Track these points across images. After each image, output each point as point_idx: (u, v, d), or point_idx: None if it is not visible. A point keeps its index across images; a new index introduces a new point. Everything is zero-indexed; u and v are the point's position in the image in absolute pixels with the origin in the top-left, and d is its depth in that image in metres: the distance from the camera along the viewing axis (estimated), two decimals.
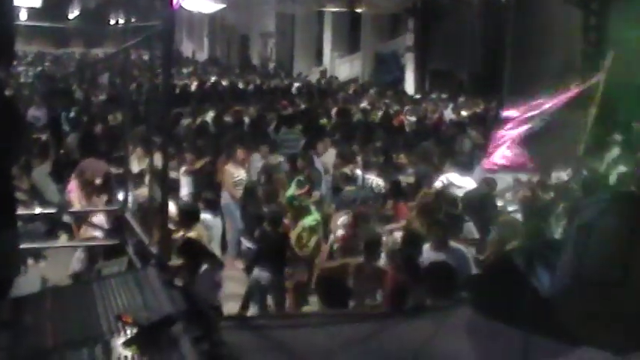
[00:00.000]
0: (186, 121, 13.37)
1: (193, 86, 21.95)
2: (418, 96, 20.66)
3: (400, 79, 24.23)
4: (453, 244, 6.46)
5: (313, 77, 26.81)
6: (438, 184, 8.75)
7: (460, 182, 8.80)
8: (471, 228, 7.54)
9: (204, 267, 6.11)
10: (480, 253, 6.93)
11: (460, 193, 8.44)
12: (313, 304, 6.74)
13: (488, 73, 19.92)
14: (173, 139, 9.62)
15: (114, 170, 8.21)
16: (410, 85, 23.48)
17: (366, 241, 6.39)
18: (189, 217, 6.80)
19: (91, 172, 8.00)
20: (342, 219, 7.50)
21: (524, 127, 7.93)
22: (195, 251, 6.13)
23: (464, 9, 20.08)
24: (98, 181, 7.69)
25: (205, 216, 7.62)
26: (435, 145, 11.21)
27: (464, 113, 16.46)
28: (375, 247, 6.36)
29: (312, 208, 7.63)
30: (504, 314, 2.85)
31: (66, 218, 7.15)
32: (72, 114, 14.19)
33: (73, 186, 8.10)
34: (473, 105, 17.35)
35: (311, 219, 7.27)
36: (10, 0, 4.41)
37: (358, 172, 9.27)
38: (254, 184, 9.09)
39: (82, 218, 6.89)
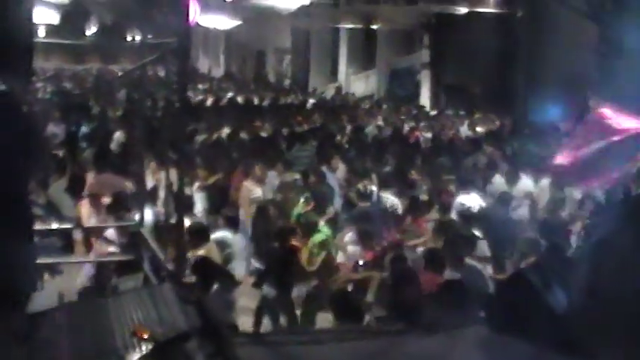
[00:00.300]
0: (201, 137, 13.45)
1: (209, 102, 22.11)
2: (434, 112, 20.65)
3: (415, 95, 24.24)
4: (469, 261, 6.43)
5: (328, 93, 26.90)
6: (450, 201, 8.72)
7: (468, 200, 8.76)
8: (484, 246, 7.50)
9: (217, 286, 6.12)
10: (497, 271, 6.90)
11: (470, 209, 8.39)
12: (322, 320, 6.71)
13: (502, 87, 19.91)
14: (188, 155, 9.66)
15: (129, 186, 8.30)
16: (425, 101, 23.48)
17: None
18: (198, 236, 6.78)
19: (100, 188, 8.07)
20: (348, 235, 7.50)
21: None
22: (207, 270, 6.15)
23: (478, 24, 20.10)
24: (107, 197, 7.74)
25: (225, 234, 7.58)
26: (450, 162, 11.20)
27: (480, 129, 16.43)
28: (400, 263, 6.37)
29: (322, 224, 7.60)
30: (519, 331, 2.84)
31: (75, 234, 7.18)
32: (88, 130, 14.31)
33: (84, 201, 8.17)
34: (488, 121, 17.32)
35: (320, 235, 7.25)
36: (29, 17, 4.50)
37: (373, 188, 9.27)
38: (266, 202, 9.07)
39: (94, 233, 6.93)
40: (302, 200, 7.83)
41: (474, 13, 19.70)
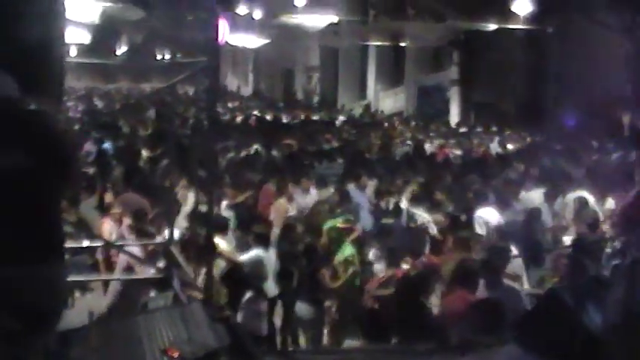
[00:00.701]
0: (230, 155, 13.54)
1: (238, 120, 22.28)
2: (463, 129, 20.57)
3: (444, 112, 24.19)
4: (506, 282, 6.30)
5: (357, 111, 26.96)
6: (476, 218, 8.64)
7: (486, 214, 8.69)
8: (516, 262, 7.40)
9: (247, 296, 6.15)
10: (529, 288, 6.81)
11: (491, 226, 8.34)
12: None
13: (533, 104, 19.76)
14: (217, 172, 9.72)
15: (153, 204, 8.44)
16: (454, 118, 23.41)
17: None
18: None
19: (123, 206, 8.15)
20: (372, 252, 7.45)
21: None
22: (237, 281, 6.18)
23: (508, 41, 20.03)
24: (127, 216, 7.82)
25: (258, 251, 7.62)
26: (480, 179, 11.11)
27: (510, 146, 16.32)
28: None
29: (348, 242, 7.56)
30: (553, 352, 2.80)
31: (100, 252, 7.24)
32: (117, 148, 14.48)
33: (106, 219, 8.25)
34: (519, 138, 17.20)
35: (347, 252, 7.20)
36: (62, 39, 4.60)
37: (402, 205, 9.24)
38: (293, 220, 9.04)
39: (119, 251, 6.98)
40: (338, 218, 7.74)
41: (503, 30, 19.64)
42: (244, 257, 7.25)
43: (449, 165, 13.46)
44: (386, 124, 21.66)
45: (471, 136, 18.26)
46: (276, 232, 9.21)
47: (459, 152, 15.44)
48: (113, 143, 14.88)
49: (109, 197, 9.40)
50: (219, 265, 6.67)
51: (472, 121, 22.36)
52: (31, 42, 4.42)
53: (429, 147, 16.07)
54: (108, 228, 8.09)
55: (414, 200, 9.41)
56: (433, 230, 8.48)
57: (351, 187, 10.20)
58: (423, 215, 8.85)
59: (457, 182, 10.75)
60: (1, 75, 3.52)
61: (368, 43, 27.08)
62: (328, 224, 7.81)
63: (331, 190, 10.29)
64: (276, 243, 8.35)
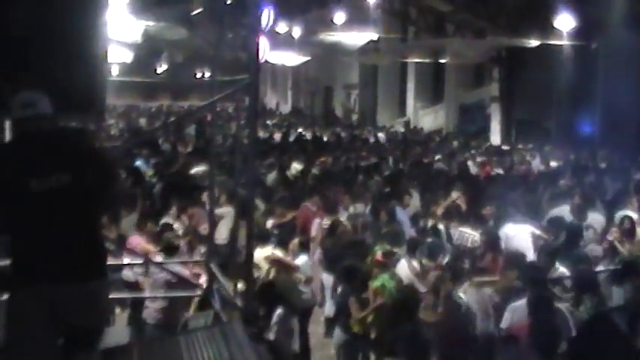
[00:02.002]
0: (270, 173, 13.59)
1: (277, 138, 22.40)
2: (505, 147, 20.32)
3: (485, 130, 23.96)
4: (560, 306, 6.12)
5: (397, 128, 26.88)
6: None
7: (511, 230, 8.54)
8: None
9: (279, 312, 6.15)
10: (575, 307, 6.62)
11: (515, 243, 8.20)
12: None
13: (577, 121, 19.45)
14: (259, 190, 9.77)
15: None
16: (496, 136, 23.17)
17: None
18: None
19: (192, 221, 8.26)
20: (403, 268, 7.34)
21: None
22: (270, 296, 6.18)
23: (550, 57, 19.78)
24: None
25: (303, 257, 7.69)
26: (522, 197, 10.95)
27: (554, 164, 16.06)
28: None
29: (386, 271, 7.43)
30: None
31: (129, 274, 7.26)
32: (158, 165, 14.64)
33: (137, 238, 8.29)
34: (562, 155, 16.93)
35: (377, 282, 7.04)
36: (104, 58, 4.68)
37: (442, 224, 9.16)
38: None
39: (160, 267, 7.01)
40: (378, 248, 7.64)
41: (546, 46, 19.39)
42: (298, 261, 7.33)
43: (491, 183, 13.29)
44: (426, 142, 21.53)
45: (512, 153, 18.03)
46: (315, 250, 9.25)
47: (500, 170, 15.25)
48: (149, 160, 15.03)
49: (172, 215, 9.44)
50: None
51: (513, 139, 22.10)
52: (75, 61, 4.51)
53: (470, 165, 15.91)
54: (141, 247, 8.11)
55: (457, 218, 9.31)
56: (476, 249, 8.37)
57: (395, 206, 10.15)
58: (472, 234, 8.73)
59: (500, 200, 10.59)
60: (38, 95, 3.60)
61: (407, 60, 27.04)
62: (375, 249, 7.66)
63: (365, 209, 10.23)
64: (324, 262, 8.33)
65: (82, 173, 3.52)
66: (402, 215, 9.86)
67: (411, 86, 28.88)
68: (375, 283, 6.82)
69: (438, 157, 17.15)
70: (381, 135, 23.94)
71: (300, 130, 25.96)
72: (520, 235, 8.43)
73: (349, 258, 7.35)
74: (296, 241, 8.31)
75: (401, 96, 30.32)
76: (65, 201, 3.48)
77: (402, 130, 26.38)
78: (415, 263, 7.45)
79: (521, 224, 8.68)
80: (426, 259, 7.46)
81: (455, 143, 20.73)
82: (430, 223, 9.49)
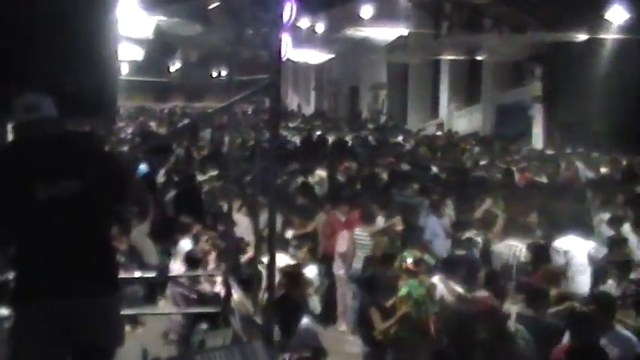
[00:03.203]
0: (291, 180, 13.63)
1: (299, 141, 22.45)
2: (549, 151, 20.16)
3: (526, 133, 23.80)
4: (619, 329, 6.03)
5: (429, 131, 26.82)
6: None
7: (564, 244, 8.46)
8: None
9: (300, 324, 6.19)
10: None
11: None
12: None
13: (629, 123, 19.18)
14: (281, 199, 9.79)
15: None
16: (538, 140, 23.00)
17: None
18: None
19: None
20: (437, 281, 7.32)
21: None
22: (289, 308, 6.22)
23: (600, 52, 19.58)
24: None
25: (312, 269, 7.73)
26: (568, 207, 10.85)
27: (603, 170, 15.89)
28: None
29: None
30: None
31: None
32: (171, 171, 14.73)
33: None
34: (613, 161, 16.72)
35: (403, 291, 7.10)
36: (114, 56, 4.73)
37: (479, 236, 9.11)
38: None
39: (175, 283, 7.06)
40: (407, 253, 7.67)
41: (594, 41, 19.20)
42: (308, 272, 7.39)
43: (533, 191, 13.18)
44: (461, 146, 21.43)
45: (557, 159, 17.86)
46: (340, 264, 9.27)
47: (543, 177, 15.11)
48: (167, 166, 15.13)
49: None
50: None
51: (558, 143, 21.89)
52: (83, 59, 4.55)
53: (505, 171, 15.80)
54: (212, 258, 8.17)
55: (496, 230, 9.26)
56: (517, 261, 8.32)
57: (429, 216, 10.14)
58: (517, 246, 8.67)
59: (542, 210, 10.50)
60: (42, 97, 3.65)
61: (440, 58, 26.98)
62: (402, 257, 7.69)
63: (397, 220, 10.24)
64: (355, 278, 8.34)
65: (92, 179, 3.55)
66: (437, 226, 9.83)
67: (444, 86, 28.79)
68: (401, 292, 6.90)
69: (483, 162, 17.05)
70: (411, 139, 23.87)
71: (319, 132, 26.02)
72: (575, 251, 8.35)
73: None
74: (305, 249, 8.36)
75: (433, 97, 30.23)
76: (74, 209, 3.51)
77: (435, 133, 26.29)
78: (455, 286, 7.44)
79: (573, 237, 8.60)
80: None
81: (492, 147, 20.60)
82: (467, 234, 9.43)
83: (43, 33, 4.46)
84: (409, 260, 7.10)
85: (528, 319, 6.47)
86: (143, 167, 14.76)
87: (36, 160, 3.52)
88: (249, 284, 5.63)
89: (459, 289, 7.27)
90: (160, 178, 14.23)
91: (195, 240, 8.67)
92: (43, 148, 3.56)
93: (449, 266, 7.73)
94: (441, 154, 19.04)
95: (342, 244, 9.44)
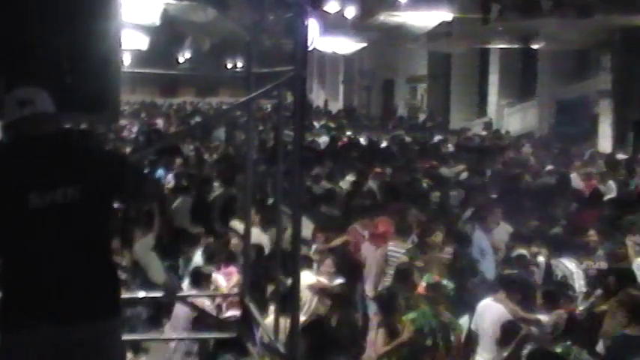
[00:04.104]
0: (316, 186, 13.66)
1: (325, 143, 22.49)
2: (621, 155, 19.96)
3: (591, 133, 23.63)
4: None
5: (475, 131, 26.72)
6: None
7: None
8: None
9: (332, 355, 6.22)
10: None
11: None
12: None
13: None
14: (305, 208, 9.81)
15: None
16: (605, 140, 22.80)
17: None
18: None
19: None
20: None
21: None
22: (319, 335, 6.25)
23: None
24: None
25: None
26: None
27: None
28: None
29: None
30: None
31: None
32: (180, 176, 14.84)
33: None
34: None
35: (414, 314, 7.16)
36: (117, 45, 4.77)
37: (541, 258, 9.08)
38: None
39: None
40: (428, 277, 7.73)
41: None
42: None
43: (600, 201, 13.08)
44: (513, 148, 21.32)
45: (629, 163, 17.67)
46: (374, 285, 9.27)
47: (612, 184, 14.99)
48: (175, 170, 15.24)
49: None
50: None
51: (629, 145, 21.67)
52: (82, 48, 4.60)
53: (572, 178, 15.69)
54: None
55: (554, 246, 9.23)
56: (579, 285, 8.29)
57: (474, 229, 10.12)
58: (567, 265, 8.65)
59: (611, 224, 10.43)
60: (36, 90, 3.68)
61: (490, 47, 26.88)
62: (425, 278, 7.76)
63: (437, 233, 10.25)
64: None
65: (92, 185, 3.57)
66: (484, 241, 9.81)
67: (493, 79, 28.69)
68: (407, 315, 6.99)
69: (549, 167, 16.95)
70: (454, 140, 23.81)
71: (348, 132, 26.04)
72: None
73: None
74: (329, 261, 8.38)
75: (480, 91, 30.14)
76: (72, 220, 3.52)
77: (483, 133, 26.19)
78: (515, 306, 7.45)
79: None
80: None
81: (550, 149, 20.46)
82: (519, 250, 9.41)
83: (35, 18, 4.49)
84: (422, 284, 7.23)
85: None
86: (161, 172, 14.94)
87: (29, 163, 3.52)
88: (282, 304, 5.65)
89: (522, 312, 7.30)
90: (167, 183, 14.34)
91: (208, 254, 8.74)
92: (37, 149, 3.56)
93: (505, 286, 7.74)
94: (489, 157, 18.95)
95: (367, 260, 9.45)
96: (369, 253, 9.59)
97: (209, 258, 9.01)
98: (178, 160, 16.22)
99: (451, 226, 10.20)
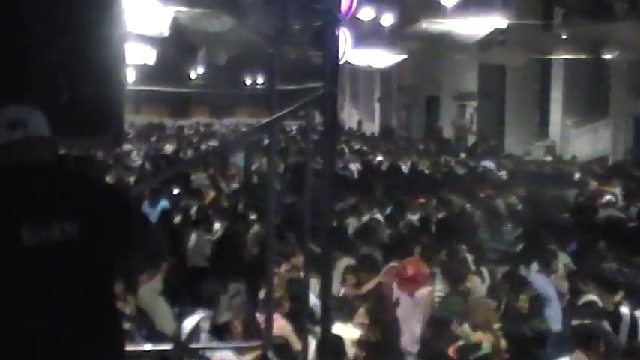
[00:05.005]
0: (349, 220, 13.67)
1: (358, 169, 22.50)
2: None
3: None
4: None
5: (536, 155, 26.61)
6: None
7: None
8: None
9: None
10: None
11: None
12: None
13: None
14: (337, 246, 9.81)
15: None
16: None
17: None
18: None
19: None
20: None
21: None
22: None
23: None
24: None
25: None
26: None
27: None
28: None
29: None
30: None
31: None
32: (192, 209, 14.92)
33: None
34: None
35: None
36: (121, 59, 4.82)
37: (624, 310, 8.98)
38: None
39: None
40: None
41: None
42: None
43: None
44: (581, 176, 21.18)
45: None
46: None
47: None
48: (187, 202, 15.32)
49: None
50: None
51: None
52: (82, 63, 4.64)
53: None
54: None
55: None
56: None
57: (534, 272, 10.08)
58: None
59: None
60: (29, 110, 3.70)
61: (552, 57, 26.80)
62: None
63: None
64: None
65: (92, 221, 3.59)
66: (548, 286, 9.74)
67: (557, 94, 28.61)
68: None
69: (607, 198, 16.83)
70: (510, 166, 23.72)
71: (384, 158, 26.05)
72: None
73: None
74: (362, 311, 8.35)
75: (541, 109, 30.07)
76: (70, 261, 3.54)
77: (545, 158, 26.08)
78: None
79: None
80: None
81: (628, 176, 20.31)
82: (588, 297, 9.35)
83: (26, 26, 4.52)
84: (459, 342, 7.25)
85: None
86: (164, 204, 15.01)
87: (21, 195, 3.53)
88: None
89: None
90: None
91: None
92: (29, 179, 3.58)
93: (582, 341, 7.65)
94: (551, 187, 18.85)
95: (404, 307, 9.41)
96: (403, 300, 9.57)
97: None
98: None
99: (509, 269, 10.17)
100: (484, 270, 10.40)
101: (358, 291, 9.63)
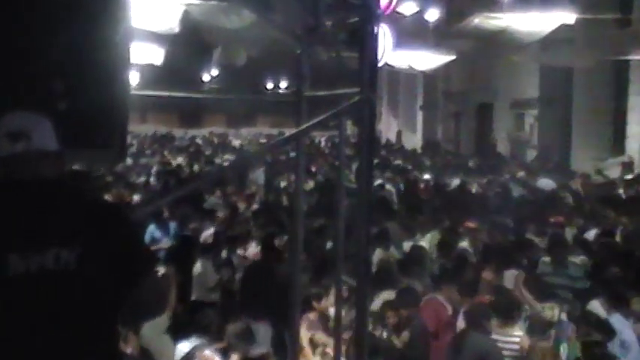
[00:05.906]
0: (385, 248, 13.68)
1: (395, 189, 22.50)
2: None
3: None
4: None
5: (611, 172, 26.47)
6: None
7: None
8: None
9: None
10: None
11: None
12: None
13: None
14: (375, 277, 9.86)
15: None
16: None
17: None
18: None
19: None
20: None
21: None
22: None
23: None
24: None
25: None
26: None
27: None
28: None
29: None
30: None
31: None
32: (209, 234, 14.97)
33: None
34: None
35: None
36: (127, 62, 4.86)
37: None
38: None
39: None
40: None
41: None
42: None
43: None
44: None
45: None
46: None
47: None
48: (199, 226, 15.39)
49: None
50: None
51: None
52: (78, 64, 4.68)
53: None
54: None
55: None
56: None
57: (610, 315, 10.03)
58: None
59: None
60: (34, 119, 3.72)
61: (629, 58, 26.66)
62: None
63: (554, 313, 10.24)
64: None
65: (91, 248, 3.60)
66: (626, 329, 9.70)
67: (634, 102, 28.44)
68: None
69: None
70: (578, 184, 23.63)
71: (428, 175, 26.02)
72: None
73: None
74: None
75: (616, 119, 29.88)
76: (64, 294, 3.56)
77: (622, 177, 25.93)
78: None
79: None
80: None
81: None
82: None
83: (20, 24, 4.55)
84: None
85: None
86: (173, 225, 15.07)
87: (12, 215, 3.56)
88: None
89: None
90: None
91: None
92: (25, 198, 3.59)
93: None
94: (629, 211, 18.75)
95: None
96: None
97: None
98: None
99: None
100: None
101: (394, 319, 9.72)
